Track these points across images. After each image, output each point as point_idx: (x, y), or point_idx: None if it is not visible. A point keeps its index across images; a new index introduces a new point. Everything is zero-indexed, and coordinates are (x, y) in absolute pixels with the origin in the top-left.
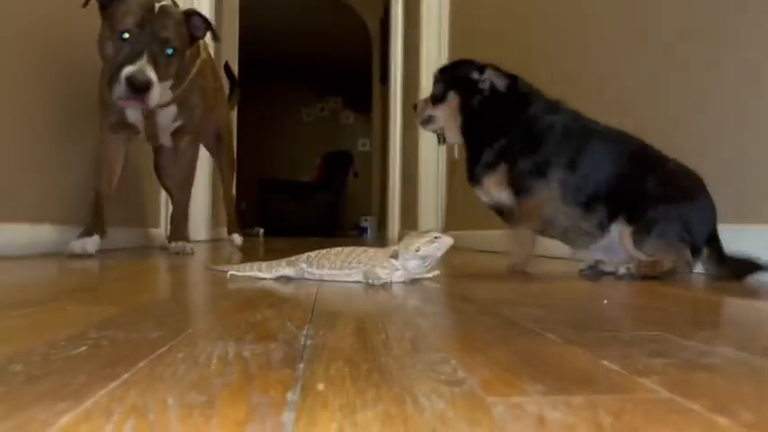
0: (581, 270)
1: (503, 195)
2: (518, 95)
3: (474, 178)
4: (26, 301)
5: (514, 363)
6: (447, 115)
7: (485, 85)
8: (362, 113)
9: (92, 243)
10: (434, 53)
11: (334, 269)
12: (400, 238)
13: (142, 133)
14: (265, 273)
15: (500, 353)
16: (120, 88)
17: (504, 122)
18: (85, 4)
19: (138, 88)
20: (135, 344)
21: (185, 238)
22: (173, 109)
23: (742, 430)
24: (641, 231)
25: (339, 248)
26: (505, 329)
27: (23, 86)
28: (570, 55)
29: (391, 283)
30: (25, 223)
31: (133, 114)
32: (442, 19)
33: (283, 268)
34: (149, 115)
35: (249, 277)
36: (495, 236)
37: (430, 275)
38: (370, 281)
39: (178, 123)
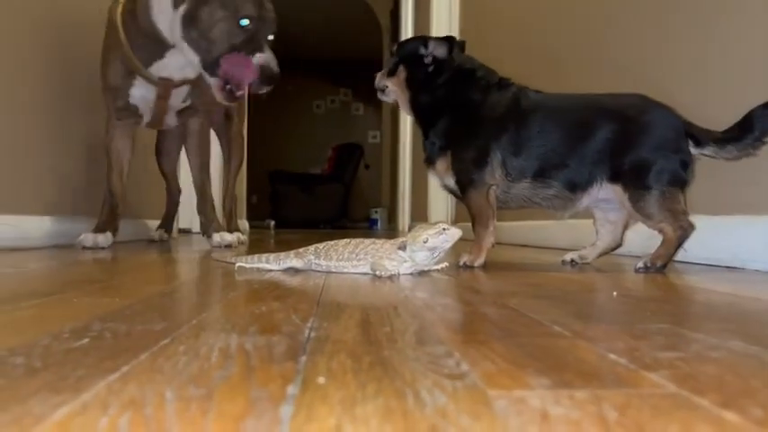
0: (637, 267)
1: (452, 182)
2: (463, 72)
3: (428, 159)
4: (34, 293)
5: (519, 356)
6: (398, 88)
7: (428, 60)
8: (373, 105)
9: (103, 238)
10: None
11: (341, 260)
12: (410, 229)
13: (147, 118)
14: (273, 264)
15: (505, 346)
16: (256, 81)
17: (447, 101)
18: None
19: (270, 77)
20: (138, 336)
21: (223, 228)
22: (185, 87)
23: (751, 427)
24: (633, 188)
25: (347, 240)
26: (512, 322)
27: (22, 77)
28: (582, 44)
29: (399, 274)
30: (34, 215)
31: (140, 94)
32: (452, 10)
33: (291, 260)
34: (164, 95)
35: (257, 269)
36: (505, 227)
37: (438, 267)
38: (377, 272)
39: (187, 103)
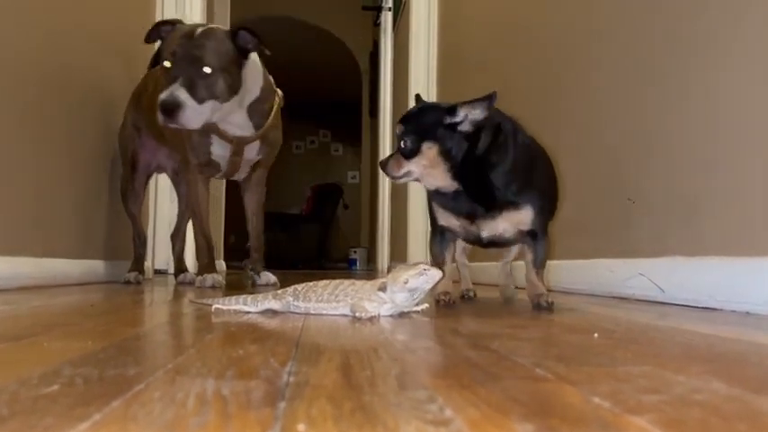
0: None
1: (512, 232)
2: (501, 126)
3: (485, 215)
4: (2, 337)
5: (503, 400)
6: (426, 165)
7: (465, 127)
8: (352, 146)
9: (219, 278)
10: (423, 87)
11: (321, 302)
12: (389, 270)
13: (222, 171)
14: (251, 306)
15: (489, 390)
16: (159, 116)
17: (505, 159)
18: (147, 39)
19: (169, 110)
20: (110, 381)
21: (263, 268)
22: (257, 144)
23: None
24: None
25: (326, 281)
26: (495, 365)
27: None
28: (556, 82)
29: (379, 316)
30: (4, 256)
31: (220, 150)
32: (431, 54)
33: (269, 301)
34: (238, 151)
35: (234, 311)
36: (484, 268)
37: (418, 308)
38: (357, 314)
39: (259, 157)
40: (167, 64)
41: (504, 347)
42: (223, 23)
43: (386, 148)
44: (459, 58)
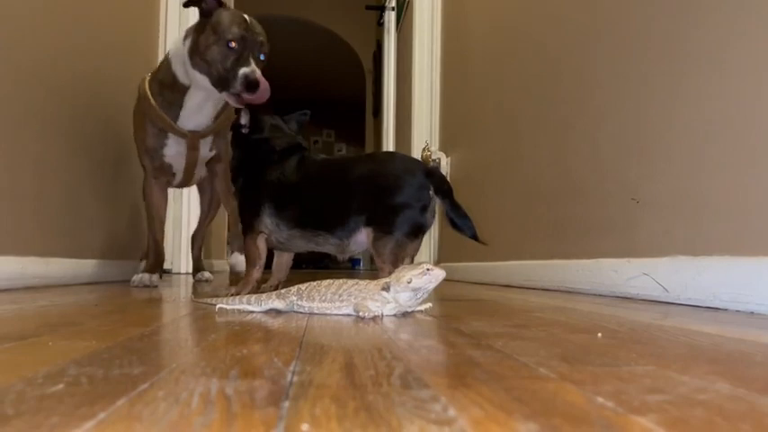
0: None
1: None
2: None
3: None
4: (7, 336)
5: (507, 400)
6: None
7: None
8: (355, 146)
9: (156, 278)
10: (426, 87)
11: (324, 302)
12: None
13: (180, 176)
14: (254, 306)
15: (492, 389)
16: (237, 84)
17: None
18: (188, 5)
19: (252, 83)
20: (115, 381)
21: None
22: (210, 138)
23: None
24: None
25: (330, 281)
26: (498, 364)
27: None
28: (560, 80)
29: (382, 315)
30: (10, 255)
31: (173, 152)
32: (434, 54)
33: (273, 301)
34: (194, 146)
35: (238, 311)
36: (489, 267)
37: (422, 308)
38: (360, 314)
39: (213, 153)
40: (233, 44)
41: (508, 347)
42: None
43: (389, 148)
44: (462, 58)
